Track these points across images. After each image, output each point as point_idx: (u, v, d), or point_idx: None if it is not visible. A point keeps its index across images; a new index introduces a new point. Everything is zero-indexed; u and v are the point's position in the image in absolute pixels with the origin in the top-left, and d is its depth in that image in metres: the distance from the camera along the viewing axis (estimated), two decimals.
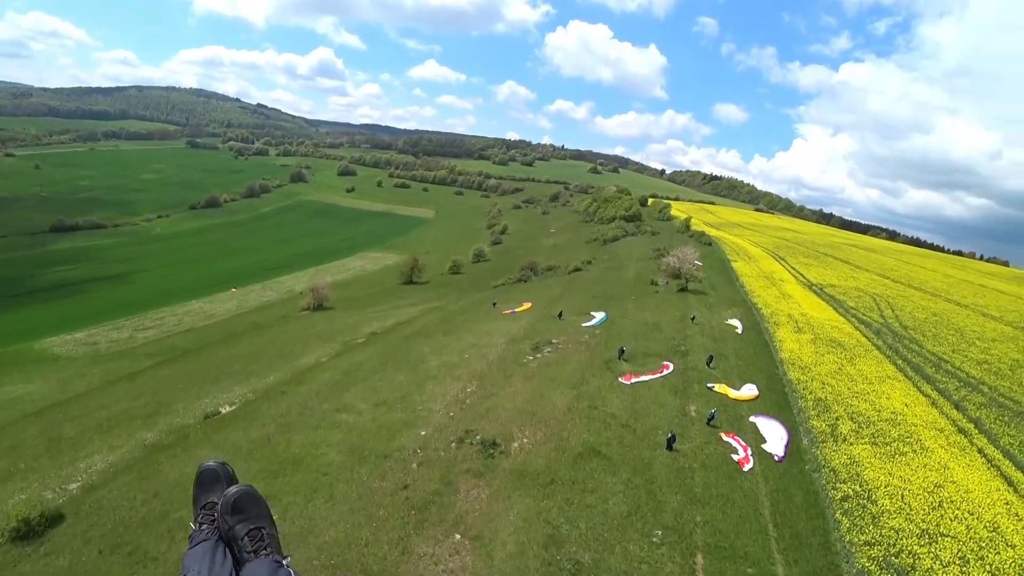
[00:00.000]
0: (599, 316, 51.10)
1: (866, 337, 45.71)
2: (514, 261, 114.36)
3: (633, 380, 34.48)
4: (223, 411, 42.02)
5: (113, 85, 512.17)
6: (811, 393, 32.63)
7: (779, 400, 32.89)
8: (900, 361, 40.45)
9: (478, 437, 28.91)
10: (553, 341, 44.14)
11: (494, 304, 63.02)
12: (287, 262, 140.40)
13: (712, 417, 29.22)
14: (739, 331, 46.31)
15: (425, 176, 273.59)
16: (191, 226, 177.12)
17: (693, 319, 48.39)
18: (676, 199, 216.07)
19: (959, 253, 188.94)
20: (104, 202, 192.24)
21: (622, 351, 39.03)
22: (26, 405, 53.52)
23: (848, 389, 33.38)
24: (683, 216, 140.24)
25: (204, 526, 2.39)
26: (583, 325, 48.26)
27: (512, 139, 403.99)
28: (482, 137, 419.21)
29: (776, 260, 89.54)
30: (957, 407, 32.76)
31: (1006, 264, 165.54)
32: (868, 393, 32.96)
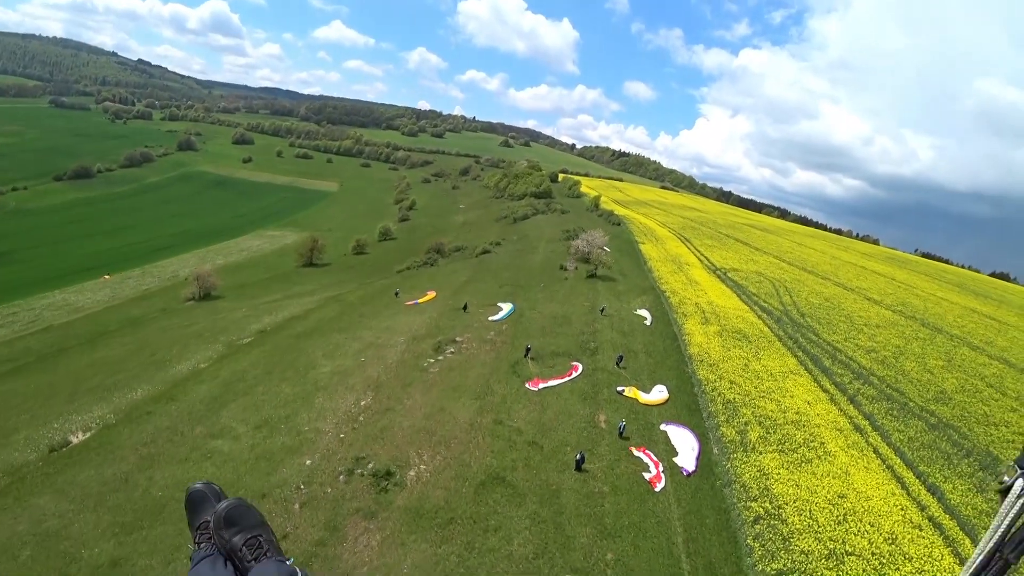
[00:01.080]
0: (506, 308, 48.57)
1: (768, 327, 46.43)
2: (422, 240, 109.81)
3: (541, 386, 32.25)
4: (74, 440, 35.24)
5: None
6: (720, 395, 31.95)
7: (689, 403, 31.96)
8: (800, 353, 41.18)
9: (370, 466, 25.51)
10: (457, 339, 41.07)
11: (396, 294, 58.87)
12: (172, 242, 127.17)
13: (622, 429, 27.53)
14: (648, 323, 45.50)
15: (329, 146, 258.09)
16: (56, 200, 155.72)
17: (603, 311, 47.03)
18: (586, 175, 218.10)
19: (839, 232, 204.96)
20: None
21: (528, 350, 36.72)
22: None
23: (755, 388, 33.07)
24: (593, 194, 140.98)
25: (203, 545, 2.39)
26: (489, 319, 45.53)
27: (423, 109, 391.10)
28: (392, 106, 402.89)
29: (682, 242, 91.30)
30: (852, 402, 33.39)
31: (877, 243, 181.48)
32: (774, 392, 32.76)
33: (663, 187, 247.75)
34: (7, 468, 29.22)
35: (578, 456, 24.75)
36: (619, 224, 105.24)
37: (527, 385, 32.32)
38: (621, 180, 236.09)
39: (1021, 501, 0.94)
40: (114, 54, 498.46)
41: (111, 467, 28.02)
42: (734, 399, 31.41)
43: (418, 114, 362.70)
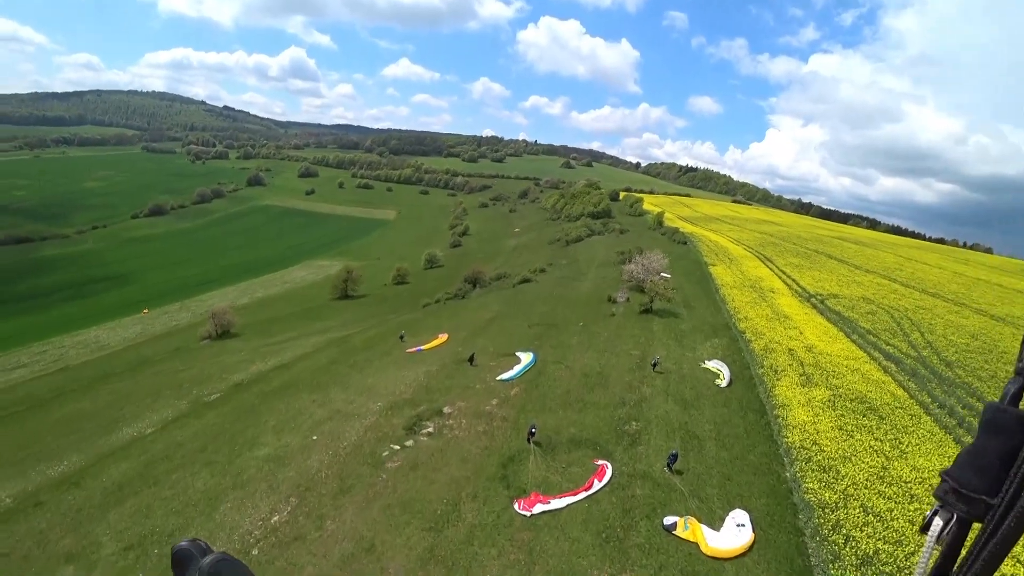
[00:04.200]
0: (525, 360, 36.45)
1: (903, 386, 31.47)
2: (468, 267, 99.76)
3: (538, 508, 19.88)
4: None
5: (73, 90, 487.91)
6: (853, 544, 17.99)
7: (790, 551, 18.37)
8: (962, 432, 26.29)
9: None
10: (445, 410, 29.45)
11: (401, 337, 48.31)
12: (221, 275, 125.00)
13: None
14: (722, 383, 31.78)
15: (390, 176, 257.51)
16: (123, 238, 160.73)
17: (655, 365, 33.75)
18: (650, 192, 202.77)
19: (941, 241, 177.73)
20: (35, 213, 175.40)
21: (533, 434, 24.47)
22: None
23: (905, 517, 18.98)
24: (656, 211, 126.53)
25: None
26: (498, 378, 33.56)
27: (487, 136, 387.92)
28: (454, 135, 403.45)
29: (762, 261, 75.58)
30: None
31: (990, 251, 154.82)
32: None
33: (735, 201, 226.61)
34: None
35: None
36: (685, 243, 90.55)
37: (516, 506, 20.07)
38: (688, 195, 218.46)
39: (943, 543, 0.83)
40: (203, 103, 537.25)
41: None
42: (875, 550, 17.54)
43: (479, 141, 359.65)
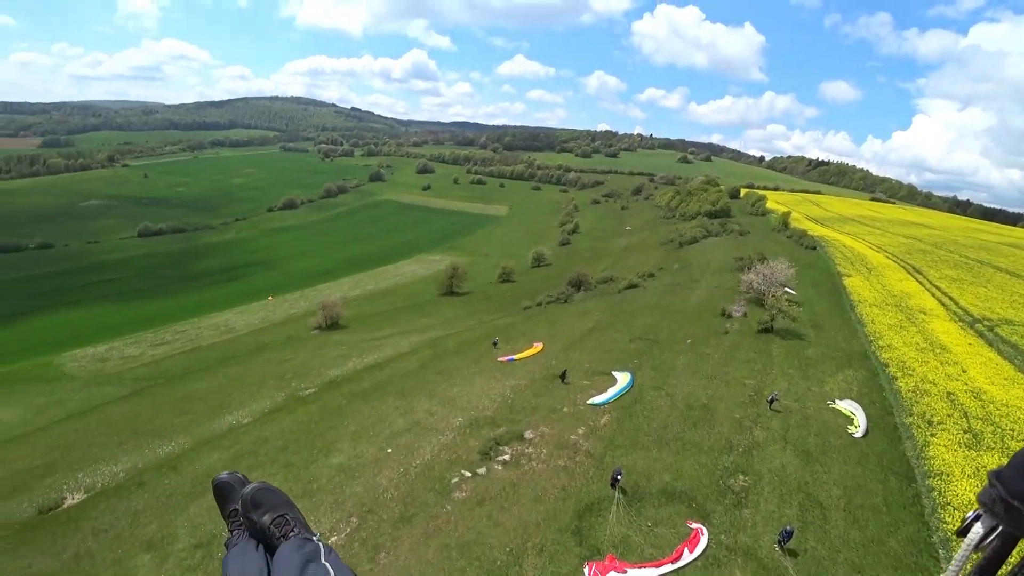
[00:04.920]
0: (621, 381, 33.03)
1: None
2: (576, 266, 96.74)
3: None
4: (67, 502, 31.31)
5: (226, 98, 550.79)
6: None
7: None
8: None
9: None
10: (525, 435, 27.08)
11: (495, 344, 46.63)
12: (337, 267, 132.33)
13: None
14: (857, 433, 26.24)
15: (503, 171, 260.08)
16: (260, 229, 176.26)
17: (772, 402, 28.79)
18: (775, 189, 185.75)
19: None
20: (193, 206, 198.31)
21: (617, 479, 21.27)
22: None
23: None
24: (781, 210, 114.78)
25: (235, 531, 2.51)
26: (588, 402, 30.54)
27: (600, 131, 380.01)
28: (568, 129, 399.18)
29: (909, 273, 64.97)
30: None
31: None
32: None
33: (874, 199, 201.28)
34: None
35: None
36: (814, 248, 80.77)
37: (587, 571, 17.17)
38: (819, 193, 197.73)
39: (986, 553, 0.75)
40: (334, 105, 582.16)
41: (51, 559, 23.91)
42: None
43: (593, 136, 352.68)
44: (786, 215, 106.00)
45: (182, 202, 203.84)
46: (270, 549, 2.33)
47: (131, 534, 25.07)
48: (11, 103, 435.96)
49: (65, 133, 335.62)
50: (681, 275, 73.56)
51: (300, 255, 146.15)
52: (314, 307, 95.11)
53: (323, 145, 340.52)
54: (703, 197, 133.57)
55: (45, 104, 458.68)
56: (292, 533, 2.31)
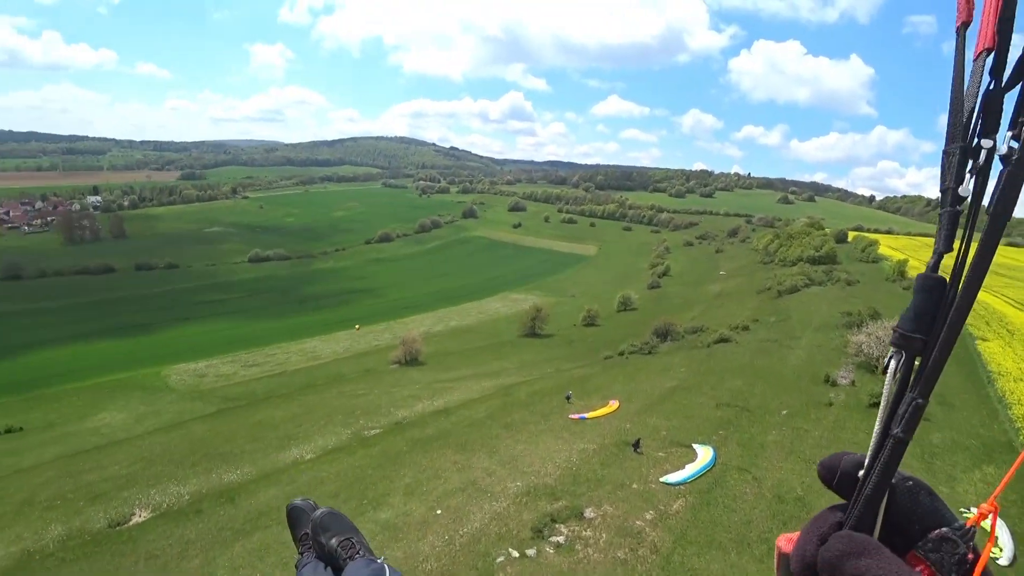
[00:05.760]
0: (702, 457, 29.06)
1: None
2: (665, 313, 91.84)
3: None
4: (134, 519, 31.65)
5: (336, 138, 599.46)
6: None
7: None
8: None
9: None
10: (586, 515, 24.04)
11: (568, 398, 43.77)
12: (424, 301, 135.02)
13: None
14: (1001, 560, 20.71)
15: (594, 211, 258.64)
16: (355, 261, 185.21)
17: None
18: (888, 232, 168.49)
19: None
20: (299, 235, 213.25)
21: None
22: (77, 442, 51.67)
23: None
24: (897, 256, 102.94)
25: (305, 554, 2.62)
26: (662, 479, 26.96)
27: (695, 170, 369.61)
28: (662, 169, 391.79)
29: None
30: None
31: None
32: None
33: (1010, 243, 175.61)
34: (77, 530, 28.14)
35: None
36: None
37: None
38: None
39: (897, 378, 1.03)
40: (433, 144, 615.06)
41: None
42: None
43: (687, 175, 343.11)
44: (902, 263, 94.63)
45: (290, 231, 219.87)
46: (337, 571, 2.42)
47: (177, 566, 24.36)
48: (161, 141, 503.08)
49: (200, 168, 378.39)
50: (778, 329, 67.00)
51: (390, 287, 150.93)
52: (396, 340, 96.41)
53: (421, 182, 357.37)
54: (805, 241, 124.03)
55: (187, 143, 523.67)
56: (358, 555, 2.41)
